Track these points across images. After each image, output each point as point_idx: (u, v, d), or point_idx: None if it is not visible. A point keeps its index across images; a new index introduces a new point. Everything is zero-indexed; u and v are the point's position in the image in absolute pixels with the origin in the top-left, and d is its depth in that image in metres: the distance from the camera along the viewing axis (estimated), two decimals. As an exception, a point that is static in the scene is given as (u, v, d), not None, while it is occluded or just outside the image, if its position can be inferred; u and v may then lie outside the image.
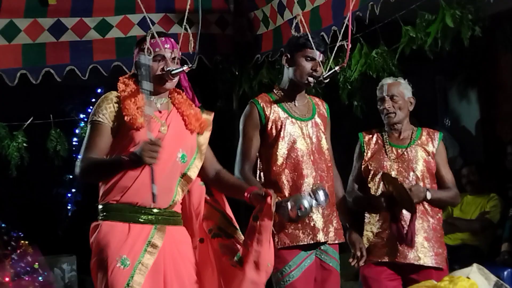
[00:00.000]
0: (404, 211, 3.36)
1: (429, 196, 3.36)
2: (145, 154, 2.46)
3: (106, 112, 2.67)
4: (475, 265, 2.89)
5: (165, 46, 2.71)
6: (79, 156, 2.68)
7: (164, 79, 2.70)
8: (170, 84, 2.74)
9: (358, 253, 3.34)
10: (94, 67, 4.63)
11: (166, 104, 2.79)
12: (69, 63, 4.57)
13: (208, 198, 2.90)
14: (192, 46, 2.73)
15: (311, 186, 3.12)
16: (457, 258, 4.32)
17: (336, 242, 3.26)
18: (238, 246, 2.80)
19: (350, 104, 4.78)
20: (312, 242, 3.15)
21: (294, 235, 3.14)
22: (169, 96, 2.82)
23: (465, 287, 2.80)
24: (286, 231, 3.13)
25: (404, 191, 3.28)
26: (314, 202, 2.93)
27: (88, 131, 2.70)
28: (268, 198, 2.72)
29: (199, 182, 2.88)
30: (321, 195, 2.95)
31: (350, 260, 3.35)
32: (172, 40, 2.76)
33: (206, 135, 2.85)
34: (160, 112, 2.75)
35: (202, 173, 2.87)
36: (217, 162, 2.94)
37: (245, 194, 2.80)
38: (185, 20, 2.79)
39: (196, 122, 2.80)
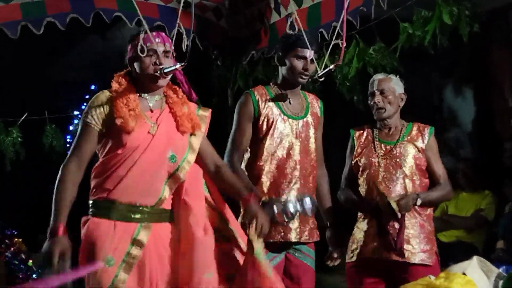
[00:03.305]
0: (393, 220, 3.35)
1: (419, 202, 3.34)
2: (48, 255, 2.48)
3: (96, 113, 2.66)
4: (475, 258, 2.83)
5: (156, 40, 2.69)
6: (68, 154, 2.69)
7: (157, 77, 2.69)
8: (163, 81, 2.73)
9: (335, 255, 3.35)
10: (97, 13, 4.50)
11: (159, 102, 2.77)
12: (71, 11, 4.36)
13: (206, 196, 2.88)
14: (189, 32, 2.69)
15: (296, 186, 3.15)
16: (452, 255, 4.32)
17: (310, 241, 3.26)
18: (236, 254, 2.80)
19: (349, 100, 4.78)
20: (282, 240, 3.17)
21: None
22: (164, 93, 2.80)
23: (460, 284, 2.77)
24: None
25: (388, 206, 3.27)
26: (300, 208, 2.95)
27: (79, 129, 2.71)
28: (251, 229, 2.77)
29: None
30: (307, 202, 2.96)
31: (326, 259, 3.37)
32: (163, 34, 2.75)
33: (199, 133, 2.83)
34: (151, 111, 2.73)
35: (203, 168, 2.86)
36: (218, 157, 2.93)
37: (241, 200, 2.88)
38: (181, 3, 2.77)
39: (188, 123, 2.77)
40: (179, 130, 2.75)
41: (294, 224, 3.18)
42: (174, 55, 2.76)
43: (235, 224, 2.86)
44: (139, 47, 2.65)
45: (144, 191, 2.66)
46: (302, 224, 3.20)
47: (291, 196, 3.14)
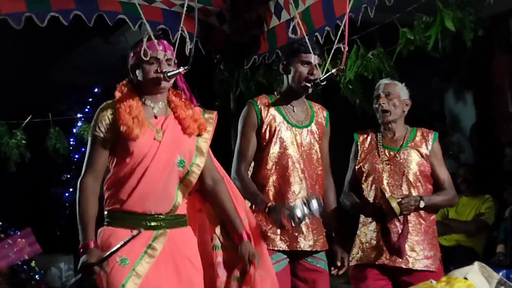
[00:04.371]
0: (396, 221, 3.35)
1: (422, 205, 3.33)
2: (82, 266, 2.54)
3: (102, 125, 2.69)
4: (476, 264, 2.84)
5: (159, 48, 2.71)
6: (83, 169, 2.72)
7: (160, 81, 2.70)
8: (167, 84, 2.74)
9: (339, 263, 3.31)
10: (100, 16, 4.47)
11: (163, 109, 2.78)
12: (75, 8, 4.40)
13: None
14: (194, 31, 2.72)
15: (301, 195, 3.13)
16: (452, 259, 4.34)
17: (318, 250, 3.24)
18: (234, 263, 2.85)
19: (351, 104, 4.80)
20: (288, 249, 3.15)
21: (272, 239, 3.14)
22: (167, 99, 2.81)
23: (462, 288, 2.78)
24: (265, 234, 3.14)
25: (390, 208, 3.25)
26: (307, 211, 2.94)
27: (88, 144, 2.75)
28: (251, 268, 2.78)
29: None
30: (314, 204, 2.95)
31: (332, 268, 3.33)
32: (165, 42, 2.76)
33: (206, 136, 2.83)
34: (156, 117, 2.75)
35: (200, 179, 2.84)
36: (217, 171, 2.91)
37: (234, 236, 2.87)
38: (185, 7, 2.80)
39: (194, 123, 2.78)
40: (185, 133, 2.76)
41: (302, 233, 3.16)
42: (176, 62, 2.76)
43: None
44: (142, 51, 2.67)
45: (158, 199, 2.68)
46: (307, 233, 3.18)
47: (297, 201, 3.09)
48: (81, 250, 2.59)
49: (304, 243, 3.18)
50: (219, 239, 2.89)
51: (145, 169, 2.65)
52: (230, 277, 2.85)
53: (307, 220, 3.13)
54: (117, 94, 2.73)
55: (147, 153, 2.66)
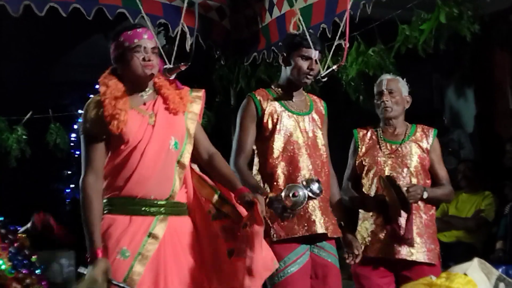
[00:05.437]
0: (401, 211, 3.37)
1: (425, 195, 3.37)
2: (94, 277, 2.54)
3: (90, 121, 2.68)
4: (476, 260, 2.84)
5: (144, 36, 2.69)
6: (82, 169, 2.71)
7: (147, 69, 2.68)
8: (154, 71, 2.71)
9: (356, 252, 3.31)
10: (100, 9, 4.40)
11: (151, 94, 2.77)
12: (75, 1, 4.32)
13: (204, 175, 2.87)
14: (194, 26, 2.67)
15: (304, 178, 3.11)
16: (452, 255, 4.35)
17: (334, 236, 3.23)
18: (235, 229, 2.76)
19: (354, 101, 4.80)
20: (308, 234, 3.12)
21: (290, 227, 3.12)
22: (153, 84, 2.78)
23: (461, 284, 2.78)
24: (282, 223, 3.11)
25: (401, 193, 3.27)
26: (308, 192, 2.94)
27: (81, 143, 2.73)
28: (256, 206, 2.70)
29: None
30: (315, 186, 2.96)
31: (345, 256, 3.33)
32: (149, 31, 2.74)
33: (193, 116, 2.83)
34: (144, 104, 2.73)
35: (196, 155, 2.85)
36: (211, 144, 2.90)
37: (233, 194, 2.79)
38: (185, 1, 2.79)
39: (180, 101, 2.77)
40: (176, 112, 2.75)
41: (318, 216, 3.15)
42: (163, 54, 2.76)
43: (234, 201, 2.81)
44: (142, 48, 2.65)
45: (157, 182, 2.67)
46: (323, 217, 3.17)
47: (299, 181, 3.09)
48: (89, 258, 2.59)
49: (319, 226, 3.15)
50: (216, 207, 2.81)
51: (141, 154, 2.65)
52: (236, 234, 2.73)
53: (312, 202, 3.13)
54: (102, 88, 2.69)
55: (142, 139, 2.66)
